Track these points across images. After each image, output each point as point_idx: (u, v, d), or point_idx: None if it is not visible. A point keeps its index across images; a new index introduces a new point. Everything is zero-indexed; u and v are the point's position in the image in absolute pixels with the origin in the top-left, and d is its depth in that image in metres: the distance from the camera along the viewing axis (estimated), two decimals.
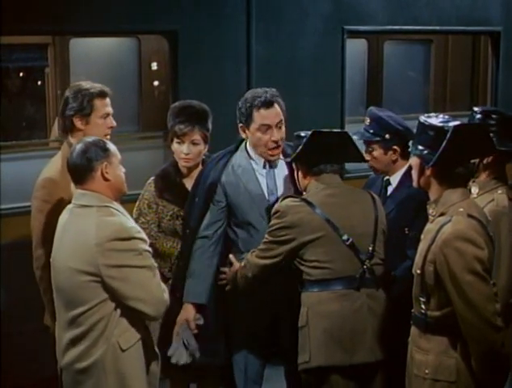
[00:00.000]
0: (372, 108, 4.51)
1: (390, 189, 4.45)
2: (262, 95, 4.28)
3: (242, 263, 4.23)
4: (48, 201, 4.13)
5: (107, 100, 4.29)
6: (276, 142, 4.28)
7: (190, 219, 4.42)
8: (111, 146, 3.69)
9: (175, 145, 4.45)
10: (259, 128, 4.27)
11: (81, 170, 3.61)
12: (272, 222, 4.06)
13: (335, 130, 4.15)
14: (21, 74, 8.67)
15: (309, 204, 4.00)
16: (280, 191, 4.36)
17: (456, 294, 3.30)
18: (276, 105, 4.29)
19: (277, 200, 4.25)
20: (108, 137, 4.24)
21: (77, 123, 4.21)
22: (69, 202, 3.89)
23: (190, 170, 4.51)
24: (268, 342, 4.54)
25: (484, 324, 3.27)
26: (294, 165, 4.18)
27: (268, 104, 4.27)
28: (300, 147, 4.02)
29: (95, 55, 7.60)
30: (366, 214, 4.11)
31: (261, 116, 4.26)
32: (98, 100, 4.25)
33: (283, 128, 4.33)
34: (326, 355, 3.94)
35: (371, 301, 4.03)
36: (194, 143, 4.42)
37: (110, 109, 4.31)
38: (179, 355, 4.34)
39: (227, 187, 4.38)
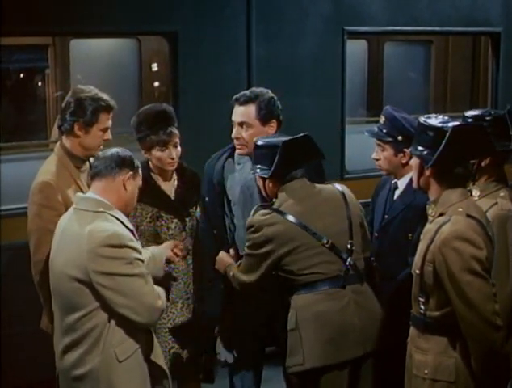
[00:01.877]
0: (388, 107, 4.43)
1: (397, 193, 4.41)
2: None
3: (231, 273, 4.21)
4: (46, 205, 4.10)
5: (111, 114, 4.28)
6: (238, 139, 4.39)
7: (212, 219, 4.49)
8: (140, 169, 3.78)
9: (158, 153, 4.43)
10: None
11: (107, 166, 3.63)
12: (248, 237, 4.03)
13: (298, 135, 4.10)
14: (21, 75, 8.69)
15: (281, 213, 3.97)
16: None
17: (455, 294, 3.30)
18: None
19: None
20: (100, 149, 4.23)
21: (77, 129, 4.19)
22: (67, 205, 3.94)
23: (166, 172, 4.54)
24: (266, 341, 4.56)
25: (483, 323, 3.27)
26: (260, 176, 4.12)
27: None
28: (276, 162, 3.95)
29: (95, 56, 7.61)
30: (338, 211, 4.09)
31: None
32: (103, 114, 4.23)
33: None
34: (320, 355, 3.94)
35: (357, 296, 4.03)
36: (175, 146, 4.46)
37: (110, 123, 4.30)
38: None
39: (227, 183, 4.46)
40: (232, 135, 4.40)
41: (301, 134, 4.05)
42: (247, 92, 4.41)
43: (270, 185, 4.08)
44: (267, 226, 3.96)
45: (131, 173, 3.67)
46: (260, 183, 4.15)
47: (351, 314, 3.99)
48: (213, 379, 4.64)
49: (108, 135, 4.29)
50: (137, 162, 3.75)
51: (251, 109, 4.35)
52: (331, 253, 3.99)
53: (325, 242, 3.97)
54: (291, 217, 3.96)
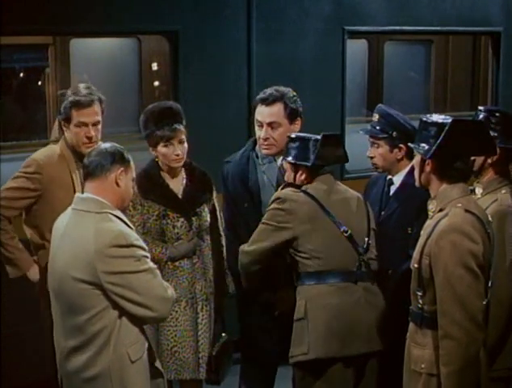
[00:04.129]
0: (381, 105, 4.51)
1: (393, 189, 4.43)
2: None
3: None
4: (23, 176, 4.42)
5: (86, 110, 4.39)
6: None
7: (249, 219, 4.45)
8: (132, 161, 3.73)
9: (163, 149, 4.43)
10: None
11: (97, 166, 3.60)
12: (270, 207, 4.11)
13: (332, 133, 4.18)
14: (21, 74, 8.68)
15: (309, 194, 4.06)
16: None
17: (445, 287, 3.30)
18: None
19: None
20: (88, 146, 4.35)
21: (62, 126, 4.42)
22: (47, 188, 4.27)
23: (174, 170, 4.54)
24: (280, 337, 4.57)
25: (468, 320, 3.26)
26: (292, 166, 4.18)
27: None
28: (318, 152, 4.05)
29: (96, 55, 7.61)
30: (359, 210, 4.19)
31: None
32: (74, 110, 4.39)
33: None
34: (325, 347, 3.97)
35: (368, 294, 4.08)
36: (181, 142, 4.44)
37: (87, 119, 4.41)
38: None
39: (255, 184, 4.48)
40: (261, 136, 4.39)
41: (335, 133, 4.20)
42: (272, 92, 4.41)
43: (303, 176, 4.15)
44: (292, 201, 4.04)
45: (122, 168, 3.62)
46: (290, 173, 4.19)
47: (361, 310, 4.03)
48: (219, 380, 4.62)
49: (89, 131, 4.40)
50: (127, 155, 3.70)
51: (279, 108, 4.38)
52: (348, 244, 4.06)
53: (345, 230, 4.04)
54: (316, 200, 4.05)
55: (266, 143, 4.40)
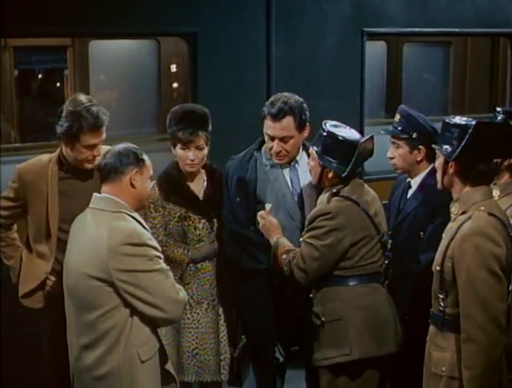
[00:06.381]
0: (403, 106, 4.52)
1: (411, 192, 4.43)
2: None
3: (284, 259, 4.15)
4: (10, 187, 4.34)
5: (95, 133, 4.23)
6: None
7: (242, 220, 4.47)
8: (147, 159, 3.73)
9: (179, 151, 4.45)
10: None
11: (111, 169, 3.64)
12: (319, 224, 4.04)
13: (369, 136, 4.19)
14: (40, 76, 8.71)
15: (356, 203, 4.05)
16: (304, 188, 4.43)
17: (467, 289, 3.30)
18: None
19: (301, 199, 4.36)
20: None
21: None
22: (25, 195, 4.26)
23: (194, 173, 4.53)
24: (290, 340, 4.58)
25: (490, 323, 3.27)
26: (321, 164, 4.15)
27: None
28: (354, 160, 4.04)
29: (115, 57, 7.62)
30: (382, 211, 4.24)
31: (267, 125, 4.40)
32: (82, 134, 4.23)
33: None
34: (366, 346, 4.01)
35: (387, 293, 4.16)
36: (199, 148, 4.44)
37: (95, 141, 4.22)
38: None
39: (257, 185, 4.47)
40: (274, 149, 4.38)
41: (371, 135, 4.16)
42: (281, 105, 4.36)
43: (329, 175, 4.13)
44: (344, 214, 4.02)
45: (136, 169, 3.65)
46: (317, 169, 4.16)
47: (388, 310, 4.10)
48: (241, 382, 4.63)
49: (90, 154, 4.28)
50: (142, 155, 3.71)
51: (290, 122, 4.37)
52: (380, 248, 4.10)
53: (381, 236, 4.09)
54: (363, 207, 4.05)
55: (279, 155, 4.41)
